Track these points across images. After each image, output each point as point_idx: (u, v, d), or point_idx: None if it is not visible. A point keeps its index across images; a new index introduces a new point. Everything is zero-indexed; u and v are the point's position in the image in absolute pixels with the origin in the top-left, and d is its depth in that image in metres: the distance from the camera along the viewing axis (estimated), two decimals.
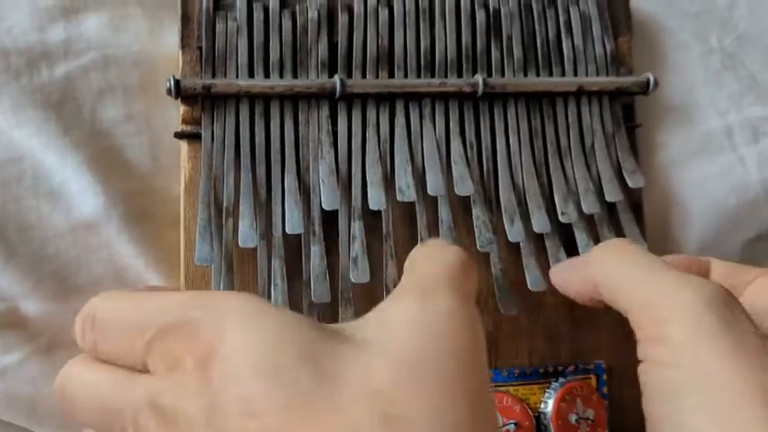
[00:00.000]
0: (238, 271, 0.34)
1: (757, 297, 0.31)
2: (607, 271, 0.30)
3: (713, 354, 0.24)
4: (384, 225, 0.36)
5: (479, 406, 0.22)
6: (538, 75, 0.39)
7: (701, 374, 0.24)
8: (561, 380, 0.37)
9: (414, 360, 0.22)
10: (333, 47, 0.37)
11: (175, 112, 0.37)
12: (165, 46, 0.38)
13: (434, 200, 0.36)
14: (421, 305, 0.24)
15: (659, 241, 0.40)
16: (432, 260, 0.26)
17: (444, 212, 0.36)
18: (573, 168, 0.38)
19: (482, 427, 0.22)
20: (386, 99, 0.37)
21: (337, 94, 0.36)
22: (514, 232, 0.36)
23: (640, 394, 0.32)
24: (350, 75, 0.37)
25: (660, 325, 0.26)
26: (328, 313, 0.35)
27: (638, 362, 0.27)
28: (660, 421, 0.26)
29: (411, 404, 0.21)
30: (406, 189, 0.36)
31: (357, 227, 0.35)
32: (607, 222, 0.38)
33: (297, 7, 0.37)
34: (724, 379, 0.24)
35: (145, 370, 0.24)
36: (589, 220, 0.38)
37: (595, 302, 0.31)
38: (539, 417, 0.36)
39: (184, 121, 0.36)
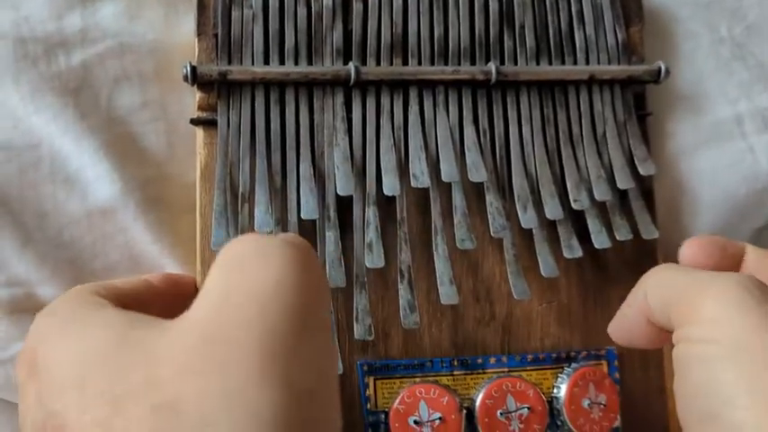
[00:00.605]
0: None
1: None
2: (651, 287, 0.31)
3: (747, 328, 0.25)
4: (398, 211, 0.36)
5: (279, 368, 0.20)
6: (550, 63, 0.39)
7: (736, 346, 0.25)
8: (574, 365, 0.37)
9: (205, 326, 0.21)
10: (347, 34, 0.37)
11: (191, 100, 0.38)
12: (180, 34, 0.38)
13: (448, 186, 0.36)
14: (223, 270, 0.23)
15: (669, 229, 0.41)
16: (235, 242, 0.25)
17: (458, 199, 0.36)
18: (585, 156, 0.38)
19: (272, 392, 0.20)
20: (400, 86, 0.37)
21: (352, 81, 0.36)
22: (527, 219, 0.37)
23: (651, 380, 0.33)
24: (364, 62, 0.37)
25: (695, 308, 0.27)
26: (343, 298, 0.35)
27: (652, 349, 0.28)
28: (692, 390, 0.27)
29: (181, 386, 0.20)
30: (420, 175, 0.36)
31: (371, 213, 0.35)
32: (619, 209, 0.38)
33: None
34: (757, 349, 0.25)
35: None
36: (601, 207, 0.38)
37: (663, 336, 0.31)
38: (551, 401, 0.37)
39: (200, 108, 0.36)
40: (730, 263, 0.34)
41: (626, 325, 0.33)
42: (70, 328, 0.24)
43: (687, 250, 0.35)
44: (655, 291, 0.31)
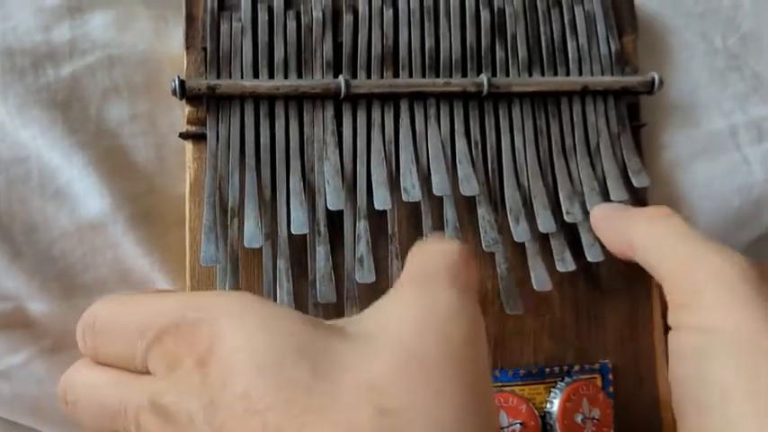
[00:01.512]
0: (244, 271, 0.34)
1: None
2: (645, 237, 0.31)
3: (746, 319, 0.26)
4: (389, 225, 0.36)
5: (477, 400, 0.22)
6: (543, 74, 0.39)
7: (733, 336, 0.26)
8: (567, 379, 0.37)
9: (410, 353, 0.22)
10: (337, 47, 0.37)
11: (181, 113, 0.37)
12: (170, 46, 0.38)
13: (440, 200, 0.36)
14: (419, 298, 0.24)
15: None
16: (430, 255, 0.26)
17: (450, 212, 0.36)
18: (578, 168, 0.38)
19: (479, 422, 0.21)
20: (391, 99, 0.37)
21: (342, 94, 0.36)
22: (520, 232, 0.36)
23: (646, 394, 0.33)
24: (355, 75, 0.37)
25: (695, 293, 0.28)
26: (334, 313, 0.35)
27: (642, 359, 0.29)
28: (689, 382, 0.27)
29: (406, 398, 0.21)
30: (411, 189, 0.36)
31: (362, 227, 0.35)
32: None
33: (301, 7, 0.37)
34: (754, 339, 0.25)
35: (146, 372, 0.25)
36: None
37: (627, 257, 0.33)
38: (544, 416, 0.36)
39: (189, 122, 0.36)
40: None
41: (605, 231, 0.35)
42: (256, 318, 0.23)
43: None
44: (646, 248, 0.31)
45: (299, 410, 0.20)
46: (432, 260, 0.26)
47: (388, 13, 0.37)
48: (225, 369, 0.22)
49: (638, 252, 0.32)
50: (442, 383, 0.21)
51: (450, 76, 0.37)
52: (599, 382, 0.38)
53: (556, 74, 0.39)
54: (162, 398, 0.23)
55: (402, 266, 0.35)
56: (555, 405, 0.36)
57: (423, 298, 0.24)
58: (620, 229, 0.33)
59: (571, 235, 0.37)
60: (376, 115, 0.37)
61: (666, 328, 0.30)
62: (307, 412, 0.20)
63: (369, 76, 0.37)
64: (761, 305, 0.26)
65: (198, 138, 0.36)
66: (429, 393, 0.21)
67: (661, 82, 0.38)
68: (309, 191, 0.35)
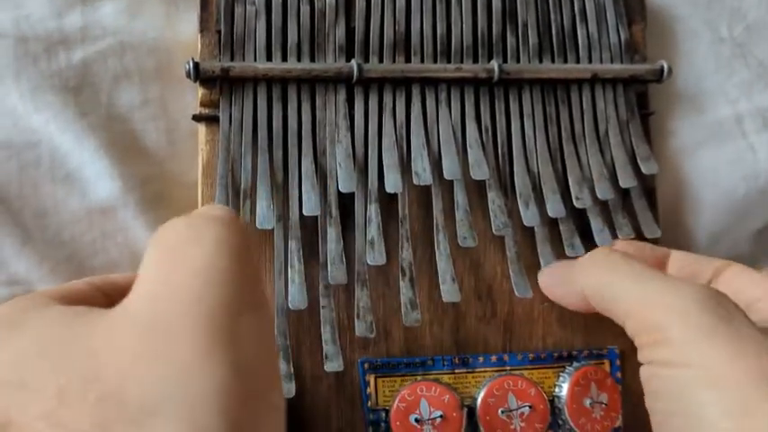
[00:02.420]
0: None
1: (730, 288, 0.31)
2: (595, 285, 0.31)
3: (715, 350, 0.25)
4: (400, 208, 0.36)
5: (225, 347, 0.20)
6: (553, 61, 0.39)
7: (708, 371, 0.25)
8: (576, 364, 0.37)
9: (142, 316, 0.21)
10: (350, 31, 0.37)
11: (191, 97, 0.37)
12: (181, 31, 0.38)
13: (450, 183, 0.36)
14: (154, 252, 0.23)
15: (671, 229, 0.41)
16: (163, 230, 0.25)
17: (460, 196, 0.36)
18: (587, 154, 0.38)
19: (223, 358, 0.20)
20: (402, 83, 0.37)
21: (354, 78, 0.36)
22: (529, 216, 0.37)
23: None
24: (367, 59, 0.37)
25: (659, 330, 0.27)
26: (344, 295, 0.35)
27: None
28: (670, 416, 0.27)
29: (125, 371, 0.20)
30: (422, 173, 0.36)
31: (373, 210, 0.35)
32: (621, 208, 0.38)
33: None
34: (729, 372, 0.25)
35: None
36: (603, 206, 0.38)
37: (586, 309, 0.32)
38: (553, 400, 0.37)
39: (202, 104, 0.36)
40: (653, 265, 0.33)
41: (554, 292, 0.34)
42: (6, 330, 0.23)
43: None
44: (599, 295, 0.30)
45: (33, 414, 0.20)
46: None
47: None
48: None
49: (593, 301, 0.31)
50: (166, 337, 0.20)
51: (462, 62, 0.38)
52: (607, 368, 0.38)
53: (566, 61, 0.39)
54: None
55: (413, 249, 0.35)
56: (564, 389, 0.36)
57: (156, 250, 0.23)
58: (568, 284, 0.33)
59: (580, 220, 0.38)
60: (388, 99, 0.37)
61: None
62: (39, 417, 0.20)
63: (381, 61, 0.37)
64: (725, 331, 0.26)
65: (210, 120, 0.36)
66: (151, 355, 0.20)
67: (669, 70, 0.39)
68: (321, 173, 0.35)
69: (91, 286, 0.30)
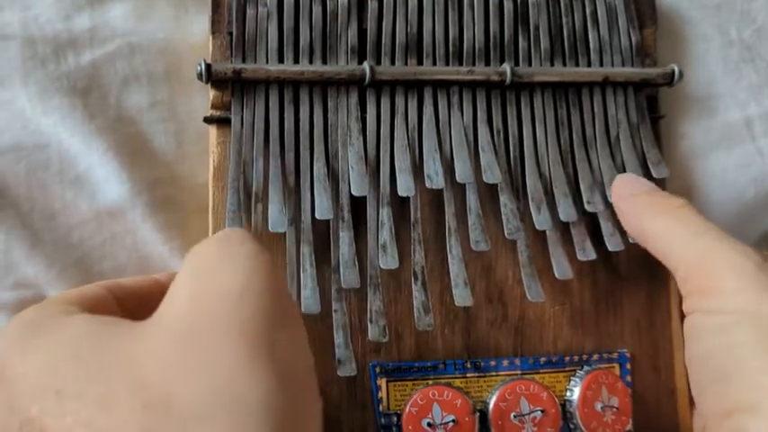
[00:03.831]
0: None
1: None
2: (659, 229, 0.33)
3: (759, 302, 0.28)
4: (412, 212, 0.36)
5: (259, 352, 0.21)
6: (564, 65, 0.39)
7: (755, 318, 0.28)
8: (586, 368, 0.37)
9: (180, 328, 0.21)
10: (362, 33, 0.37)
11: (200, 100, 0.37)
12: (190, 33, 0.38)
13: (462, 187, 0.36)
14: (190, 267, 0.23)
15: None
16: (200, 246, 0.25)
17: (472, 200, 0.36)
18: (598, 158, 0.38)
19: (264, 375, 0.20)
20: (414, 86, 0.37)
21: (366, 80, 0.36)
22: (541, 220, 0.36)
23: (663, 383, 0.34)
24: (379, 62, 0.37)
25: (713, 280, 0.29)
26: (357, 299, 0.35)
27: (665, 346, 0.32)
28: (707, 355, 0.29)
29: (172, 382, 0.20)
30: (434, 176, 0.36)
31: (385, 213, 0.35)
32: None
33: None
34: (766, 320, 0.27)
35: None
36: (614, 210, 0.38)
37: (640, 241, 0.35)
38: (564, 404, 0.37)
39: (214, 107, 0.36)
40: None
41: (624, 210, 0.36)
42: (36, 336, 0.24)
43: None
44: (662, 241, 0.33)
45: (71, 421, 0.21)
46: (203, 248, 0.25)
47: (413, 0, 0.37)
48: (8, 394, 0.22)
49: (649, 241, 0.33)
50: (209, 346, 0.21)
51: (474, 65, 0.38)
52: (617, 371, 0.38)
53: (577, 64, 0.39)
54: None
55: (425, 253, 0.35)
56: (575, 393, 0.36)
57: (191, 265, 0.23)
58: (637, 213, 0.34)
59: (592, 224, 0.38)
60: (400, 102, 0.37)
61: (682, 317, 0.32)
62: (77, 423, 0.20)
63: (393, 63, 0.37)
64: None
65: (222, 122, 0.35)
66: (195, 364, 0.20)
67: (680, 74, 0.39)
68: (333, 177, 0.35)
69: (104, 290, 0.30)
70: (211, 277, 0.23)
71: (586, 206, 0.37)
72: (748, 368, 0.27)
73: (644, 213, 0.34)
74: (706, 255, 0.30)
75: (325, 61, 0.36)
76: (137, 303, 0.31)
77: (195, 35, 0.38)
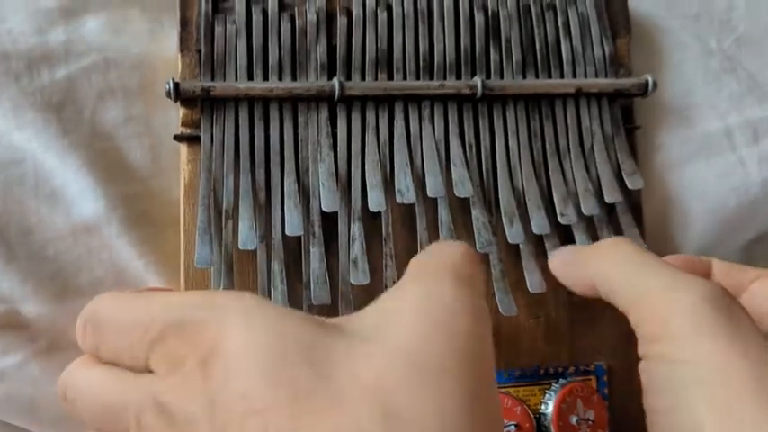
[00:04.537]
0: (238, 273, 0.34)
1: (756, 297, 0.31)
2: (604, 271, 0.30)
3: (715, 349, 0.25)
4: (384, 227, 0.36)
5: (483, 398, 0.22)
6: (537, 77, 0.39)
7: (704, 369, 0.25)
8: (562, 381, 0.37)
9: (414, 351, 0.22)
10: (332, 49, 0.37)
11: (176, 115, 0.37)
12: (165, 48, 0.38)
13: (434, 201, 0.36)
14: (420, 293, 0.24)
15: (659, 243, 0.40)
16: (432, 254, 0.26)
17: (444, 214, 0.36)
18: (572, 170, 0.38)
19: (484, 421, 0.21)
20: (385, 101, 0.37)
21: (336, 96, 0.36)
22: (514, 233, 0.36)
23: (640, 395, 0.32)
24: (349, 77, 0.37)
25: (661, 323, 0.27)
26: (328, 315, 0.35)
27: (637, 362, 0.28)
28: (662, 414, 0.26)
29: (411, 398, 0.21)
30: (405, 191, 0.36)
31: (357, 229, 0.35)
32: (606, 224, 0.38)
33: (295, 10, 0.37)
34: (725, 373, 0.25)
35: (147, 369, 0.25)
36: (589, 222, 0.38)
37: (594, 296, 0.32)
38: (539, 418, 0.37)
39: (184, 124, 0.36)
40: None
41: (566, 275, 0.33)
42: (259, 318, 0.23)
43: None
44: (607, 282, 0.30)
45: (300, 411, 0.20)
46: (434, 258, 0.25)
47: (382, 15, 0.37)
48: (226, 369, 0.22)
49: (600, 289, 0.31)
50: (446, 381, 0.21)
51: (445, 79, 0.38)
52: (594, 384, 0.38)
53: (550, 76, 0.39)
54: (164, 397, 0.23)
55: (397, 268, 0.35)
56: (550, 406, 0.36)
57: (424, 292, 0.24)
58: (579, 269, 0.32)
59: (565, 236, 0.37)
60: (370, 117, 0.37)
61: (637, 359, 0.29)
62: (308, 413, 0.20)
63: (363, 79, 0.37)
64: (729, 333, 0.25)
65: (192, 140, 0.36)
66: (433, 392, 0.21)
67: (655, 84, 0.38)
68: (304, 193, 0.35)
69: None
70: (443, 309, 0.23)
71: (560, 219, 0.37)
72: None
73: (583, 265, 0.32)
74: (650, 295, 0.28)
75: (294, 78, 0.36)
76: None
77: (170, 50, 0.38)
